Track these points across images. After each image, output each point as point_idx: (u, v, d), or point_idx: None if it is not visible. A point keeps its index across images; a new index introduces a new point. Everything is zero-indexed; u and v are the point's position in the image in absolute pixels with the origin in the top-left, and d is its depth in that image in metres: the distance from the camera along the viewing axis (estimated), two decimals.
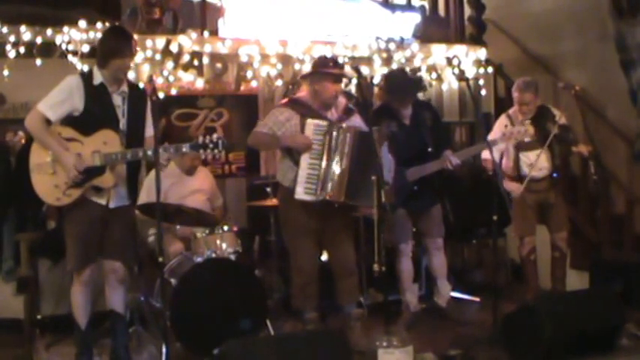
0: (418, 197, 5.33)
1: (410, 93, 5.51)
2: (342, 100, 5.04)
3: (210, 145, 4.30)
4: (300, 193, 4.70)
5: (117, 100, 4.38)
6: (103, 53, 4.36)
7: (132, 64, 4.55)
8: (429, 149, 5.32)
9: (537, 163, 5.62)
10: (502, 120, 5.78)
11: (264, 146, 5.42)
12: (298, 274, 4.92)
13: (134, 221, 4.73)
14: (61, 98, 4.27)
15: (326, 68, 4.89)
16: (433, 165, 5.28)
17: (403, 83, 5.55)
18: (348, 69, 5.61)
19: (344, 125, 4.80)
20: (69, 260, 4.40)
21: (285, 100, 5.17)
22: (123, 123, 4.37)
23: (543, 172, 5.70)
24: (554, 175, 5.74)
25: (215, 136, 4.34)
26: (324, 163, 4.72)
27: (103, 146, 4.27)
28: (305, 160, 4.73)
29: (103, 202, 4.36)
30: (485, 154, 5.56)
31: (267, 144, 5.11)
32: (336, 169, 4.72)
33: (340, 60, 5.28)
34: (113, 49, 4.32)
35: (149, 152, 4.24)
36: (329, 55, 5.30)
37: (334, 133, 4.75)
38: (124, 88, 4.43)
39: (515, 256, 6.44)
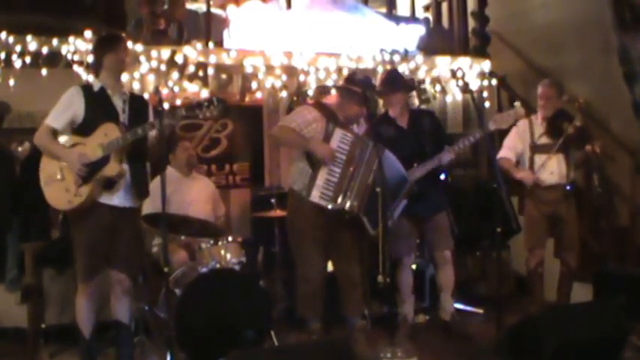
0: (421, 200, 5.19)
1: (397, 85, 5.38)
2: (363, 122, 5.02)
3: (205, 104, 4.29)
4: (315, 197, 4.66)
5: (117, 100, 4.44)
6: (97, 55, 4.50)
7: (135, 75, 4.56)
8: (427, 151, 5.26)
9: (548, 163, 5.57)
10: (521, 124, 5.75)
11: (289, 143, 5.09)
12: (304, 284, 4.88)
13: (140, 230, 4.74)
14: (63, 107, 4.36)
15: (356, 86, 4.87)
16: (430, 162, 5.21)
17: (393, 77, 5.49)
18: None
19: (375, 143, 4.72)
20: (77, 271, 4.41)
21: (312, 102, 5.17)
22: (124, 117, 4.41)
23: (554, 178, 5.60)
24: (568, 187, 5.65)
25: (208, 96, 4.35)
26: (348, 174, 4.70)
27: (104, 138, 4.30)
28: (326, 165, 4.70)
29: (112, 202, 4.36)
30: (501, 154, 5.66)
31: (292, 141, 4.89)
32: (361, 182, 4.71)
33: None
34: (104, 46, 4.45)
35: (147, 126, 4.29)
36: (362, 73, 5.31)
37: (366, 148, 4.74)
38: (125, 92, 4.52)
39: (518, 268, 6.43)
